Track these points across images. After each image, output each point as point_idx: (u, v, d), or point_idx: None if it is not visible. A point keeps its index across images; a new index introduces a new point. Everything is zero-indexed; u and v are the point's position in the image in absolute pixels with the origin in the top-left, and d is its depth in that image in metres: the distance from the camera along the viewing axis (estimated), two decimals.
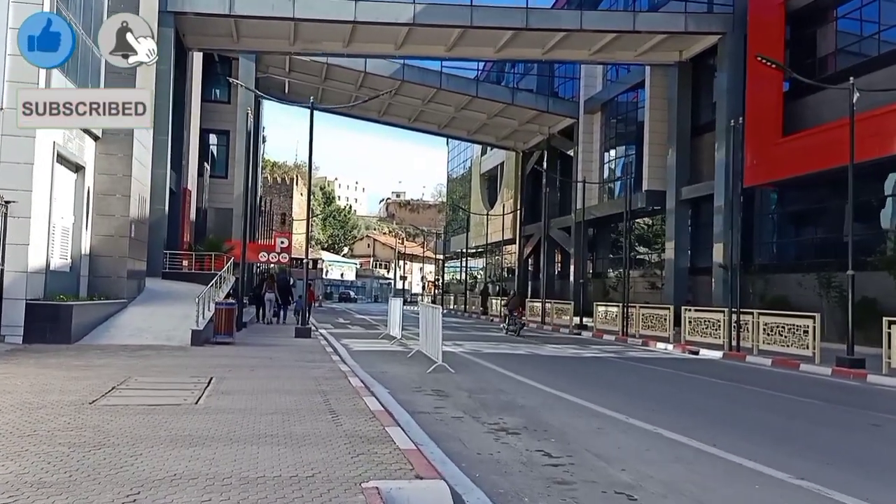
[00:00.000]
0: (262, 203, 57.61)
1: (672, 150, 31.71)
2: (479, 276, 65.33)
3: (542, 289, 33.72)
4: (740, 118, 21.67)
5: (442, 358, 13.07)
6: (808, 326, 17.06)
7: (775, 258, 28.00)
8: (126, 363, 11.44)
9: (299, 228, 77.40)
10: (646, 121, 34.03)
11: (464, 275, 56.93)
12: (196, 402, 7.82)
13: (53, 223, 15.94)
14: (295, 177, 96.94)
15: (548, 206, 35.64)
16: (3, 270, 13.95)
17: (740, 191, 20.51)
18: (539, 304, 34.37)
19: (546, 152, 47.22)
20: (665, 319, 23.14)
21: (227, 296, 19.66)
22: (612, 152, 39.93)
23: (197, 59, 32.34)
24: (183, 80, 28.56)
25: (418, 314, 16.41)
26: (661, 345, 22.04)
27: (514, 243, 52.14)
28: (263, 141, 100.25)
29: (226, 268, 21.15)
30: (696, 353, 19.93)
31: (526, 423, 8.21)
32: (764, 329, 18.40)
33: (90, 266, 18.40)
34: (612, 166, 40.08)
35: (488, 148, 60.73)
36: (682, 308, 22.19)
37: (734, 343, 18.97)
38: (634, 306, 25.21)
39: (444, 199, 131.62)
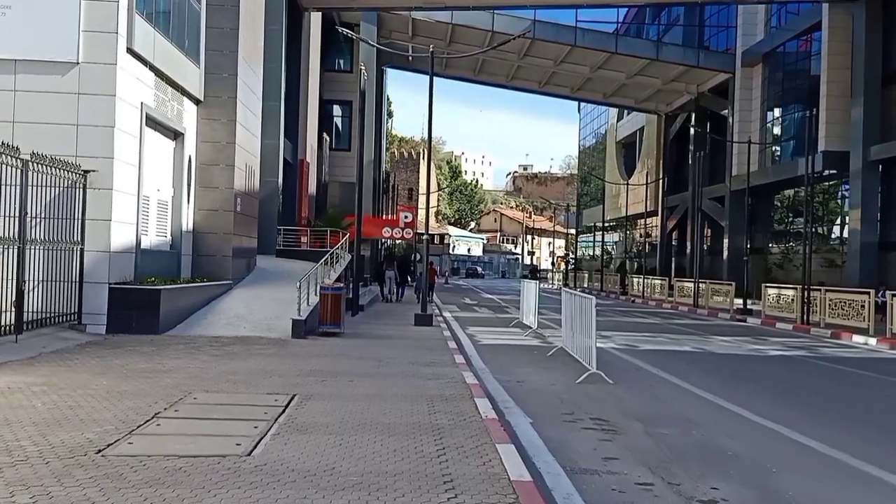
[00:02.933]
0: (389, 178, 56.08)
1: (858, 103, 26.54)
2: (612, 252, 61.01)
3: (695, 267, 29.57)
4: None
5: (596, 363, 10.00)
6: None
7: None
8: (201, 367, 9.20)
9: (426, 203, 75.85)
10: (822, 70, 28.85)
11: (599, 250, 52.97)
12: (250, 453, 5.25)
13: (146, 195, 14.15)
14: (422, 151, 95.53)
15: (700, 172, 31.20)
16: (82, 250, 12.20)
17: None
18: (691, 285, 30.25)
19: (694, 114, 42.34)
20: (861, 306, 18.81)
21: (339, 278, 17.41)
22: (777, 111, 34.68)
23: (315, 22, 30.43)
24: (298, 42, 26.63)
25: (551, 294, 13.49)
26: (857, 338, 17.87)
27: (656, 216, 47.67)
28: (390, 116, 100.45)
29: (340, 245, 18.95)
30: None
31: (762, 499, 5.08)
32: None
33: (194, 244, 16.68)
34: (777, 126, 34.82)
35: (625, 112, 56.10)
36: (889, 293, 17.78)
37: None
38: (819, 289, 20.90)
39: (573, 172, 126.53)
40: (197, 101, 16.65)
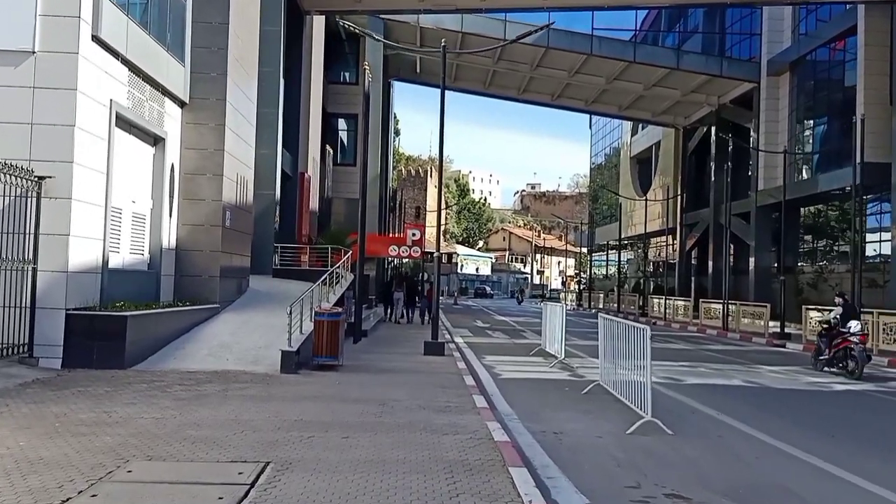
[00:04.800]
0: (395, 195, 54.38)
1: None
2: (626, 271, 58.95)
3: (724, 287, 27.61)
4: None
5: (651, 408, 8.07)
6: None
7: None
8: (157, 417, 7.31)
9: (433, 221, 74.04)
10: (859, 77, 27.00)
11: (611, 270, 50.99)
12: None
13: (117, 207, 12.38)
14: (429, 169, 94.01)
15: (728, 187, 29.30)
16: (35, 269, 10.37)
17: None
18: (718, 307, 28.23)
19: (714, 127, 40.49)
20: None
21: (340, 300, 15.56)
22: (807, 121, 32.73)
23: (318, 28, 28.81)
24: (299, 48, 24.97)
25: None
26: None
27: (674, 234, 45.70)
28: (397, 134, 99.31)
29: (341, 263, 17.11)
30: None
31: None
32: None
33: (176, 263, 14.86)
34: (808, 138, 32.85)
35: (640, 127, 54.37)
36: None
37: None
38: (871, 312, 18.88)
39: (581, 191, 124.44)
40: (181, 104, 14.91)
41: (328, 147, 32.53)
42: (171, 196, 14.62)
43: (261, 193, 19.87)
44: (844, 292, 16.65)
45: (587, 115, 64.69)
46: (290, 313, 11.16)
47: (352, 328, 16.57)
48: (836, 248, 32.00)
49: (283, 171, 22.58)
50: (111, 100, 11.78)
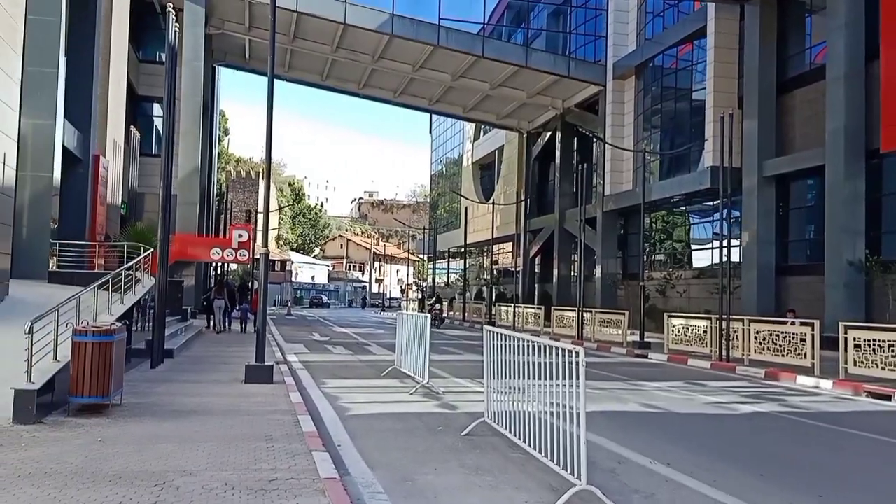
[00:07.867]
0: (223, 196, 49.35)
1: (752, 115, 24.35)
2: (467, 279, 57.55)
3: (579, 294, 26.21)
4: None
5: (583, 469, 5.32)
6: None
7: None
8: None
9: (263, 222, 69.09)
10: (709, 78, 26.59)
11: (452, 277, 49.20)
12: None
13: None
14: (261, 171, 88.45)
15: (585, 190, 28.07)
16: None
17: None
18: (572, 314, 26.83)
19: (559, 132, 39.68)
20: (802, 340, 15.67)
21: (129, 312, 11.67)
22: (654, 126, 32.31)
23: None
24: (93, 5, 20.34)
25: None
26: (804, 379, 14.62)
27: (517, 240, 44.59)
28: (226, 133, 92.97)
29: (133, 264, 13.15)
30: (890, 397, 12.55)
31: None
32: None
33: None
34: (653, 142, 32.45)
35: (482, 132, 53.26)
36: (840, 324, 14.69)
37: None
38: (741, 320, 17.70)
39: (419, 200, 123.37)
40: None
41: (135, 130, 27.71)
42: None
43: (32, 175, 15.41)
44: (438, 291, 36.07)
45: (427, 125, 63.12)
46: (31, 332, 7.36)
47: (149, 348, 12.73)
48: (687, 253, 31.86)
49: (67, 149, 18.00)
50: None
